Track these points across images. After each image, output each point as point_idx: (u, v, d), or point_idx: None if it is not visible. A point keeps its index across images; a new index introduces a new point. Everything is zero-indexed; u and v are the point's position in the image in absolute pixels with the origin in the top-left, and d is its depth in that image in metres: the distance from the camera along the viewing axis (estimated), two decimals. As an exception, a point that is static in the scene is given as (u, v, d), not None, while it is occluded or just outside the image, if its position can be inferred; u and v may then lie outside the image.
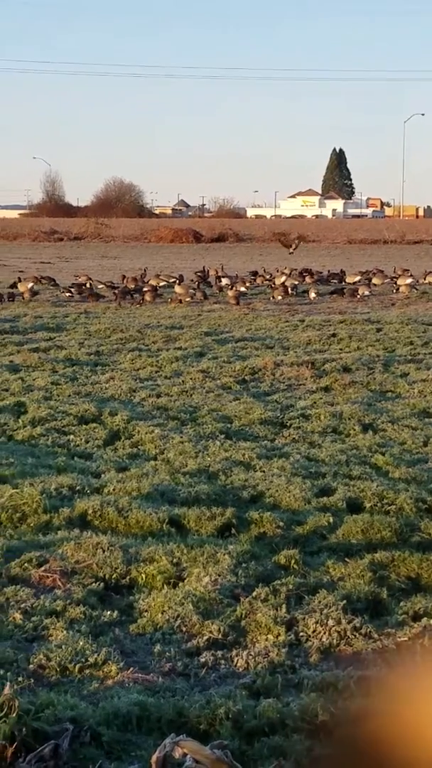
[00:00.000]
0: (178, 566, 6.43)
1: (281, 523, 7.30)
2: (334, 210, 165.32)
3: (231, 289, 25.71)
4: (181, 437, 9.93)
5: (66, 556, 6.54)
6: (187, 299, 24.19)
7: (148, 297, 24.50)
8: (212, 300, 25.03)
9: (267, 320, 20.63)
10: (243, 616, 5.71)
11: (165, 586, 6.14)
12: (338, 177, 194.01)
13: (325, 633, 5.49)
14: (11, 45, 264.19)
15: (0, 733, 4.20)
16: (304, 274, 30.11)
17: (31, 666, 5.11)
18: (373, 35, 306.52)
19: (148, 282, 27.32)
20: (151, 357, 15.35)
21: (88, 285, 26.67)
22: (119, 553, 6.55)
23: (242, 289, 26.33)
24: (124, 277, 28.66)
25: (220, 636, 5.49)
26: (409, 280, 27.84)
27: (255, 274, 30.86)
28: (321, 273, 31.15)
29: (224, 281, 27.72)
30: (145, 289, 25.44)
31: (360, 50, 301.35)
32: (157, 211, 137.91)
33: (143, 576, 6.32)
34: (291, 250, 30.67)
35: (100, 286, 27.06)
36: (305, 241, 62.26)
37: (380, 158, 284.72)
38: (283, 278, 28.00)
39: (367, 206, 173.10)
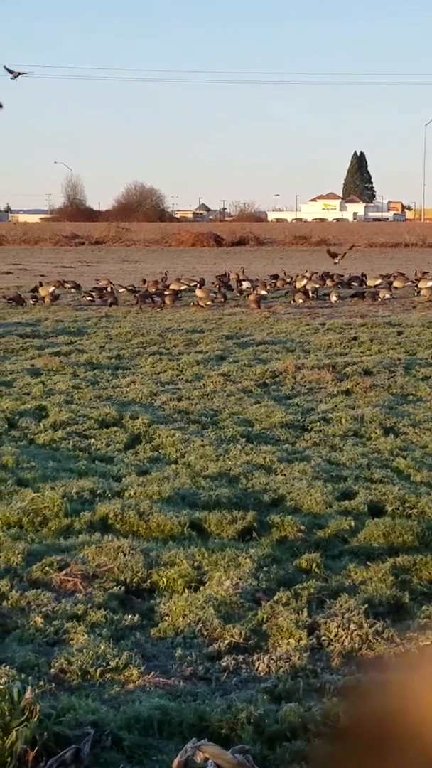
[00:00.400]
0: (199, 570, 6.41)
1: (302, 527, 7.28)
2: (355, 213, 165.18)
3: (252, 292, 25.70)
4: (202, 441, 9.92)
5: (87, 560, 6.54)
6: (208, 303, 24.19)
7: (168, 301, 24.52)
8: (233, 303, 25.03)
9: (288, 323, 20.60)
10: (264, 620, 5.70)
11: (186, 590, 6.13)
12: (359, 180, 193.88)
13: (346, 637, 5.46)
14: (34, 50, 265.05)
15: (21, 737, 4.20)
16: (325, 277, 30.04)
17: (52, 670, 5.10)
18: (394, 38, 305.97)
19: (169, 286, 27.33)
20: (172, 360, 15.35)
21: (109, 289, 26.69)
22: (140, 556, 6.54)
23: (263, 292, 26.31)
24: (144, 280, 28.67)
25: (241, 640, 5.47)
26: (430, 283, 27.73)
27: (276, 277, 30.81)
28: (342, 276, 31.08)
29: (245, 285, 27.69)
30: (165, 292, 25.46)
31: (381, 53, 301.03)
32: (178, 215, 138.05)
33: (164, 580, 6.31)
34: (337, 260, 30.43)
35: (121, 290, 27.08)
36: (327, 244, 62.23)
37: (401, 161, 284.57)
38: (304, 281, 27.95)
39: (388, 209, 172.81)
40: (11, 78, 23.20)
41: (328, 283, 29.06)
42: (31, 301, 24.50)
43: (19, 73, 23.35)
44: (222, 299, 25.33)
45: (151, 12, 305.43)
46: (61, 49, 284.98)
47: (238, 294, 26.96)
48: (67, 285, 28.49)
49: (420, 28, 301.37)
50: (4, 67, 23.28)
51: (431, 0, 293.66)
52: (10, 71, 23.22)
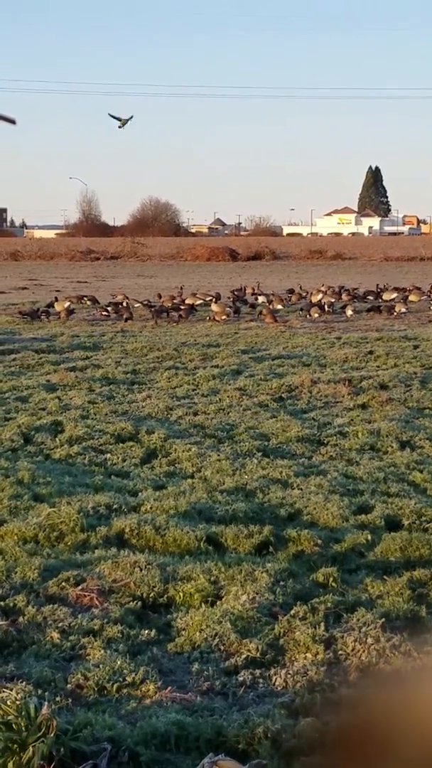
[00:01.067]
0: (216, 584, 6.40)
1: (319, 541, 7.26)
2: (370, 227, 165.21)
3: (267, 306, 25.73)
4: (218, 455, 9.91)
5: (103, 575, 6.54)
6: (224, 317, 24.22)
7: (184, 315, 24.52)
8: (248, 318, 25.04)
9: (304, 338, 20.60)
10: (281, 634, 5.68)
11: (203, 605, 6.12)
12: (374, 194, 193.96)
13: (364, 651, 5.44)
14: (47, 66, 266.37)
15: (38, 753, 4.19)
16: (341, 291, 30.04)
17: (69, 685, 5.10)
18: (410, 51, 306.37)
19: (184, 300, 27.38)
20: (188, 375, 15.36)
21: (124, 304, 26.75)
22: (156, 571, 6.53)
23: (279, 306, 26.33)
24: (160, 295, 28.73)
25: (258, 655, 5.45)
26: (446, 297, 27.72)
27: (291, 291, 30.83)
28: (357, 290, 31.09)
29: (261, 299, 27.71)
30: (182, 307, 25.50)
31: (397, 67, 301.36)
32: (193, 230, 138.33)
33: (181, 594, 6.30)
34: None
35: (137, 305, 27.16)
36: (343, 259, 62.24)
37: (417, 175, 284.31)
38: (320, 296, 27.97)
39: (404, 224, 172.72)
40: (119, 127, 23.02)
41: (344, 297, 29.06)
42: (44, 316, 24.54)
43: (128, 120, 23.17)
44: (235, 313, 25.35)
45: (167, 26, 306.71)
46: (76, 65, 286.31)
47: (251, 308, 26.91)
48: (85, 300, 28.63)
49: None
50: (110, 115, 23.16)
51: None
52: (117, 118, 23.05)
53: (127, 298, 28.37)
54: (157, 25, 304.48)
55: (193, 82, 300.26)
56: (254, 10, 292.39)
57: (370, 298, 29.82)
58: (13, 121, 4.70)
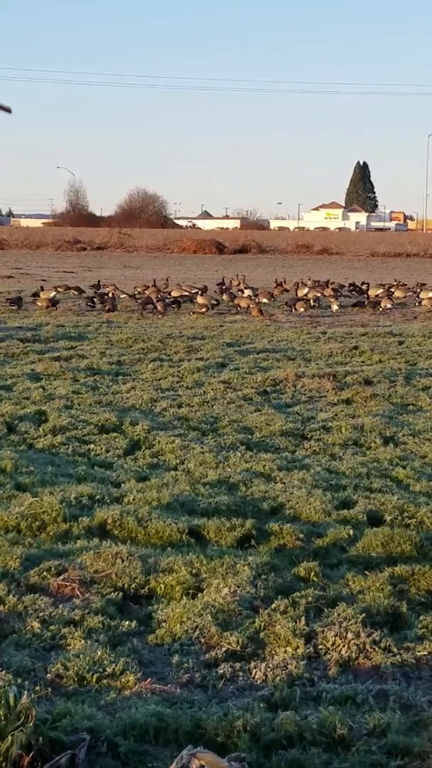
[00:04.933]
0: (197, 577, 6.40)
1: (301, 535, 7.27)
2: (357, 223, 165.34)
3: (247, 299, 25.72)
4: (202, 448, 9.91)
5: (85, 566, 6.53)
6: (203, 310, 24.19)
7: (159, 307, 24.35)
8: (234, 311, 25.01)
9: (289, 332, 20.61)
10: (262, 628, 5.68)
11: (184, 597, 6.12)
12: (362, 190, 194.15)
13: (344, 646, 5.45)
14: (39, 56, 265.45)
15: (17, 742, 4.18)
16: (326, 286, 30.02)
17: (48, 675, 5.09)
18: (398, 49, 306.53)
19: (170, 292, 27.34)
20: (173, 367, 15.34)
21: (110, 295, 26.70)
22: (138, 563, 6.53)
23: (264, 300, 26.31)
24: (146, 287, 28.69)
25: (238, 648, 5.46)
26: (431, 294, 27.76)
27: (279, 285, 30.80)
28: (343, 285, 31.12)
29: (247, 292, 27.69)
30: (166, 299, 25.42)
31: (385, 64, 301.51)
32: (181, 222, 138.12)
33: (162, 586, 6.30)
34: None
35: (123, 296, 27.11)
36: (329, 253, 62.30)
37: (404, 172, 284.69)
38: (306, 290, 27.96)
39: (390, 219, 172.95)
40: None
41: (330, 291, 29.06)
42: (39, 303, 24.42)
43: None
44: (215, 302, 25.31)
45: (154, 19, 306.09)
46: (65, 55, 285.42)
47: (228, 300, 26.49)
48: (71, 291, 28.61)
49: (424, 39, 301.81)
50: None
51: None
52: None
53: (117, 288, 28.37)
54: (143, 13, 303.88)
55: (183, 74, 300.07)
56: (245, 4, 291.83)
57: (356, 293, 29.85)
58: (9, 110, 4.68)
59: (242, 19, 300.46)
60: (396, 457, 9.73)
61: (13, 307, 24.17)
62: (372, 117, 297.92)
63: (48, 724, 4.42)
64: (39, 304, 24.87)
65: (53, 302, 25.08)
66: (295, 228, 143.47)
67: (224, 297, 26.82)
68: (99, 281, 30.82)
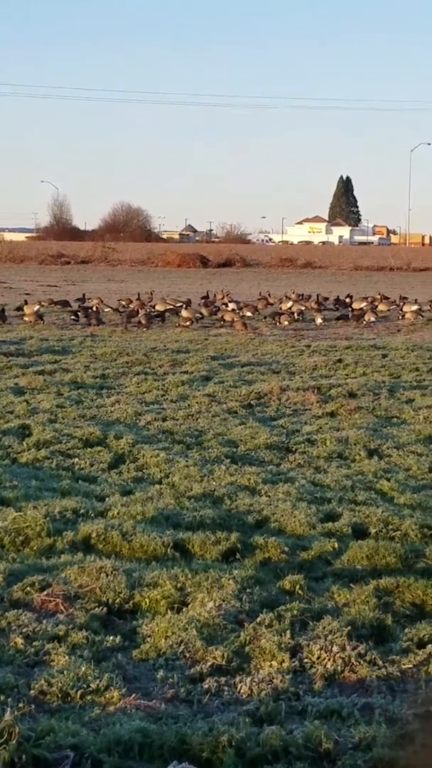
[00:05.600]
0: (182, 591, 6.38)
1: (286, 548, 7.25)
2: (340, 237, 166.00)
3: (233, 312, 25.79)
4: (187, 461, 9.89)
5: (69, 580, 6.49)
6: (188, 324, 24.22)
7: (143, 321, 24.36)
8: (218, 324, 25.02)
9: (273, 345, 20.62)
10: (247, 642, 5.66)
11: (169, 611, 6.09)
12: (345, 204, 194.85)
13: (329, 659, 5.43)
14: (21, 69, 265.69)
15: (0, 759, 4.15)
16: (310, 299, 30.09)
17: (32, 692, 5.05)
18: (381, 64, 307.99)
19: (154, 306, 27.36)
20: (157, 380, 15.32)
21: (94, 308, 26.70)
22: (123, 577, 6.50)
23: (248, 313, 26.34)
24: (130, 300, 28.69)
25: (223, 662, 5.43)
26: (414, 307, 27.87)
27: (264, 299, 30.84)
28: (327, 299, 31.20)
29: (231, 306, 27.72)
30: (141, 312, 25.44)
31: (368, 79, 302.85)
32: (164, 236, 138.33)
33: (147, 601, 6.27)
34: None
35: (107, 310, 27.10)
36: (313, 267, 62.45)
37: (387, 186, 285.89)
38: (290, 303, 28.01)
39: (374, 233, 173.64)
40: None
41: (313, 305, 29.13)
42: (26, 318, 24.43)
43: None
44: (200, 316, 25.35)
45: (138, 34, 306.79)
46: (49, 69, 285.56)
47: (212, 314, 26.53)
48: (57, 305, 28.62)
49: (406, 54, 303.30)
50: None
51: (416, 28, 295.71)
52: None
53: (102, 302, 28.39)
54: (130, 29, 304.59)
55: (166, 89, 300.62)
56: (228, 22, 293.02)
57: (340, 306, 29.93)
58: None
59: (227, 34, 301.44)
60: (380, 470, 9.73)
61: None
62: (355, 131, 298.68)
63: (31, 742, 4.39)
64: (26, 318, 24.85)
65: (40, 316, 25.04)
66: (279, 242, 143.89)
67: (204, 311, 26.83)
68: (84, 295, 30.84)
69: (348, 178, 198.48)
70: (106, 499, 8.51)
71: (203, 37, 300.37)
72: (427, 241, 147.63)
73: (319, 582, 6.73)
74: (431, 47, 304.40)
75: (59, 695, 5.02)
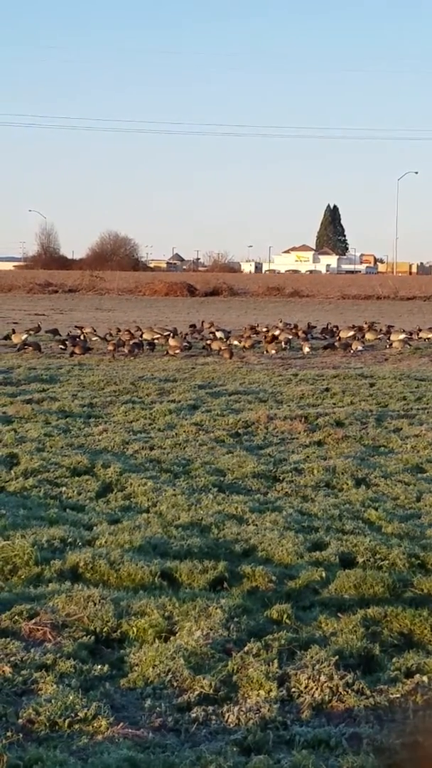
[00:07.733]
0: (170, 620, 6.38)
1: (273, 578, 7.26)
2: (327, 265, 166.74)
3: (221, 341, 25.89)
4: (174, 490, 9.90)
5: (57, 609, 6.49)
6: (177, 351, 24.30)
7: (127, 349, 24.45)
8: (205, 353, 25.09)
9: (260, 374, 20.66)
10: (234, 671, 5.66)
11: (156, 640, 6.09)
12: (332, 233, 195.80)
13: (317, 689, 5.44)
14: (8, 100, 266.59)
15: (-12, 788, 4.15)
16: (297, 328, 30.19)
17: (20, 720, 5.05)
18: (368, 92, 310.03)
19: (142, 335, 27.43)
20: (145, 409, 15.34)
21: (82, 337, 26.77)
22: (110, 606, 6.50)
23: (235, 342, 26.42)
24: (118, 329, 28.78)
25: (211, 691, 5.43)
26: (401, 336, 27.96)
27: (252, 328, 30.93)
28: (314, 327, 31.33)
29: (219, 334, 27.79)
30: (129, 342, 25.53)
31: (355, 107, 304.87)
32: (151, 265, 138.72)
33: (134, 630, 6.27)
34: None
35: (94, 338, 27.16)
36: (300, 296, 62.60)
37: (374, 215, 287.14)
38: (277, 332, 28.09)
39: (361, 262, 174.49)
40: None
41: (301, 334, 29.22)
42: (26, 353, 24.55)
43: None
44: (188, 345, 25.46)
45: (125, 63, 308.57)
46: (37, 98, 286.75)
47: (199, 341, 26.74)
48: (46, 333, 28.75)
49: (394, 83, 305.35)
50: None
51: (404, 57, 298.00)
52: None
53: (95, 331, 28.56)
54: (115, 58, 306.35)
55: (152, 118, 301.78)
56: (217, 50, 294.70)
57: (327, 335, 30.04)
58: None
59: (211, 63, 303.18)
60: (368, 499, 9.76)
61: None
62: (342, 160, 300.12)
63: (19, 770, 4.38)
64: (15, 341, 25.03)
65: (36, 346, 25.03)
66: (266, 271, 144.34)
67: (189, 340, 27.00)
68: (76, 326, 30.99)
69: (335, 206, 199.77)
70: (94, 527, 8.51)
71: (191, 65, 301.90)
72: (414, 269, 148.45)
73: (307, 611, 6.73)
74: (419, 76, 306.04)
75: (47, 724, 5.02)
